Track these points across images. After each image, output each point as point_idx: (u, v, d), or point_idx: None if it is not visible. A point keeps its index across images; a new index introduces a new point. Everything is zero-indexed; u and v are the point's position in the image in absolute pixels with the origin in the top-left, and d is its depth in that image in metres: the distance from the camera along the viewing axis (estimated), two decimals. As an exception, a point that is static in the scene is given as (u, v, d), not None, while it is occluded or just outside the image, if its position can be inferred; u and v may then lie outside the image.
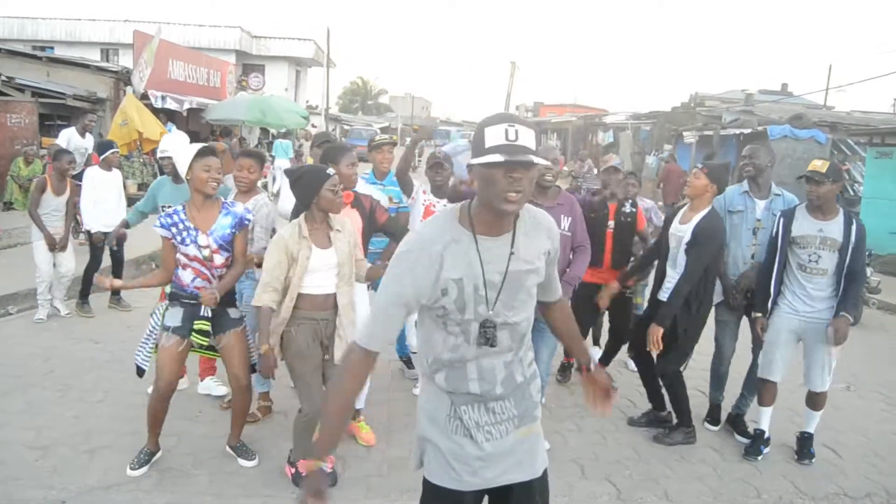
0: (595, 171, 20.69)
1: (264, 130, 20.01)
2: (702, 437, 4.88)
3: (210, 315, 3.92)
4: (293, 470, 3.96)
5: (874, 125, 16.93)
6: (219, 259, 3.89)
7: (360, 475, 4.10)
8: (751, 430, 4.81)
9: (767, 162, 4.79)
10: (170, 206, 4.19)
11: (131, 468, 3.95)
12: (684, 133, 21.01)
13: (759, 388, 4.68)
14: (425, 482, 2.34)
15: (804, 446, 4.61)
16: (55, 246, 6.72)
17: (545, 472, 2.39)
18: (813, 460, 4.56)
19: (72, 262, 6.98)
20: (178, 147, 4.40)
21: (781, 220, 4.48)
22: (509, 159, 1.92)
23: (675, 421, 4.81)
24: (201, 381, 5.14)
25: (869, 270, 8.71)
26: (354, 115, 60.52)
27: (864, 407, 5.72)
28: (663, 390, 4.83)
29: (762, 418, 4.65)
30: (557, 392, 5.49)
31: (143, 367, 4.06)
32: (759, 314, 4.59)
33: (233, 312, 4.07)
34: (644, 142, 25.01)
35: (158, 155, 6.11)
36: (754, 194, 4.81)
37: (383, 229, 4.51)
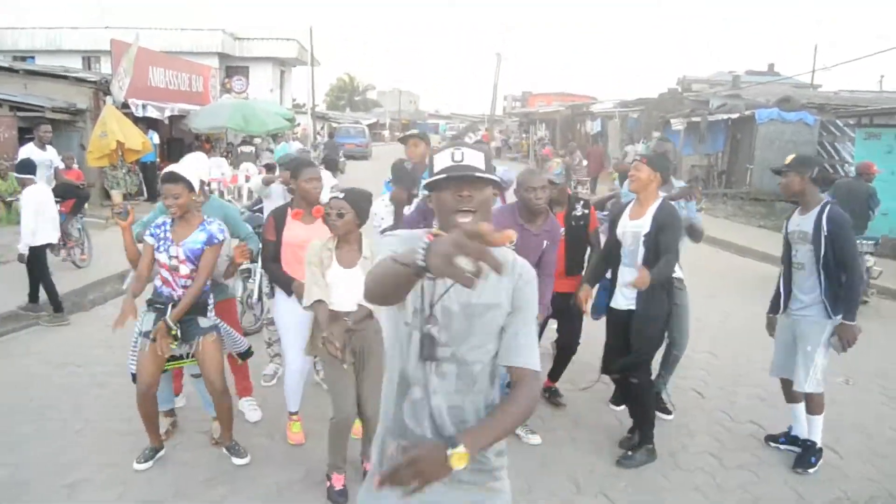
0: (584, 162, 20.60)
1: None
2: (700, 441, 4.78)
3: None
4: (328, 483, 3.97)
5: (862, 105, 16.83)
6: (184, 270, 4.07)
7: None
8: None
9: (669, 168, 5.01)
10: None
11: (137, 462, 4.19)
12: (672, 120, 20.85)
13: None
14: None
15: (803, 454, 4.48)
16: None
17: None
18: (811, 470, 4.38)
19: None
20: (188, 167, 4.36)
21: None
22: (451, 175, 1.94)
23: (636, 439, 4.57)
24: (240, 398, 5.02)
25: (871, 259, 8.35)
26: (342, 112, 60.13)
27: (863, 401, 5.61)
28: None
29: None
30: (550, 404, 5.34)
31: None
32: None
33: (203, 321, 4.17)
34: (632, 130, 24.86)
35: None
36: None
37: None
